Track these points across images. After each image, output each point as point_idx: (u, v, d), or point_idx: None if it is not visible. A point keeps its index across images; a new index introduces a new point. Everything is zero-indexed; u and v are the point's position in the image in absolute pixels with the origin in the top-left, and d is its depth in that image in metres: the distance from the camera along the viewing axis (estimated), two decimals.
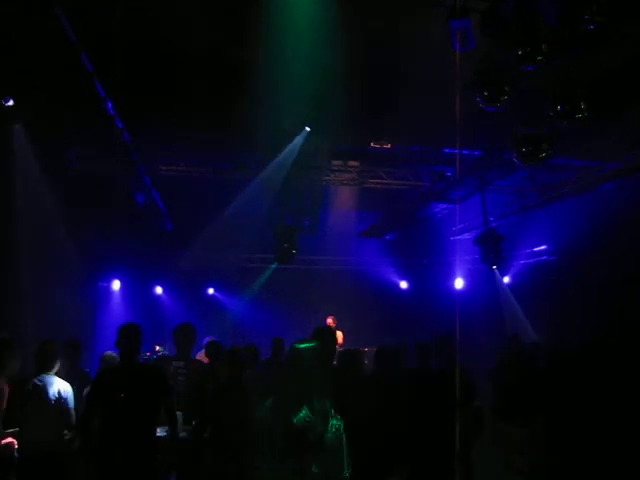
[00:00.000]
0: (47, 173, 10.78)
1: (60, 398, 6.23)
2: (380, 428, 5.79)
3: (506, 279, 16.98)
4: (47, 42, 7.60)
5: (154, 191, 12.44)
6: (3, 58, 7.71)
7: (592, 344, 5.79)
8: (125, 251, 15.35)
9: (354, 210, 15.52)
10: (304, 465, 3.91)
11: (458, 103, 6.37)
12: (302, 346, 4.21)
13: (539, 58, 6.65)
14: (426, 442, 6.24)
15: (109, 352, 7.66)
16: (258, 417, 4.16)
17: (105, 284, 16.73)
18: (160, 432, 6.10)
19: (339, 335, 13.56)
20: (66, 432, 6.31)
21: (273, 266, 17.32)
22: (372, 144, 11.52)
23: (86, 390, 6.61)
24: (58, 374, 6.48)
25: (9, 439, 6.07)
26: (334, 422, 4.05)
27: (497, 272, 15.89)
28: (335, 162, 12.83)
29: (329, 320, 13.96)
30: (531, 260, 16.59)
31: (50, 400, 6.18)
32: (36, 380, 6.26)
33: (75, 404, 6.36)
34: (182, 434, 6.55)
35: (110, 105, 9.11)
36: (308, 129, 9.99)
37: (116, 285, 16.85)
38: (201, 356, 9.57)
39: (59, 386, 6.28)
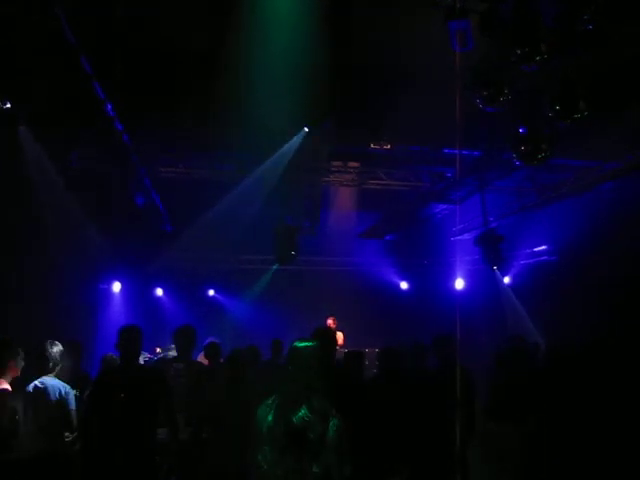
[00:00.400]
0: (48, 175, 10.81)
1: (61, 400, 6.22)
2: (381, 428, 5.80)
3: (506, 279, 16.98)
4: (46, 44, 7.61)
5: (154, 192, 12.45)
6: (2, 59, 7.72)
7: (592, 344, 5.80)
8: (125, 253, 15.35)
9: (354, 211, 15.52)
10: (304, 464, 3.92)
11: (458, 103, 6.38)
12: (301, 344, 4.22)
13: (538, 58, 6.65)
14: (426, 442, 6.24)
15: (109, 354, 7.67)
16: (258, 417, 4.16)
17: (105, 286, 16.72)
18: (161, 434, 6.10)
19: (339, 336, 13.56)
20: (67, 434, 6.31)
21: (274, 267, 17.31)
22: (372, 145, 11.53)
23: (87, 392, 6.61)
24: (59, 376, 6.48)
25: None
26: (334, 421, 4.05)
27: (497, 272, 15.87)
28: (335, 163, 12.83)
29: (329, 321, 13.97)
30: (531, 260, 16.59)
31: (51, 402, 6.17)
32: (37, 382, 6.26)
33: (76, 406, 6.36)
34: (182, 436, 6.54)
35: (110, 107, 9.12)
36: (306, 129, 9.98)
37: (116, 287, 16.83)
38: (202, 357, 9.57)
39: (60, 388, 6.27)
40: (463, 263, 17.33)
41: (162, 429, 6.12)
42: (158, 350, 12.83)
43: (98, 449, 5.62)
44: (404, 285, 19.71)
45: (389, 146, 11.50)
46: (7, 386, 6.20)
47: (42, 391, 6.20)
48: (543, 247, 16.08)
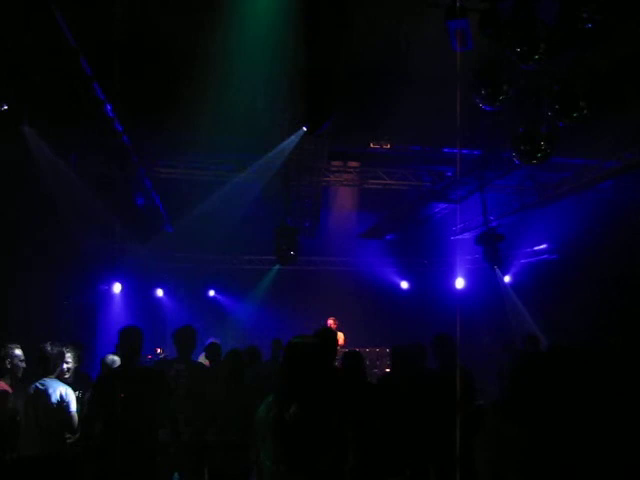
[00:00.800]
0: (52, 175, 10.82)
1: (62, 401, 6.22)
2: (385, 427, 5.80)
3: (507, 278, 16.98)
4: (45, 45, 7.61)
5: (154, 193, 12.45)
6: (2, 60, 7.72)
7: (593, 343, 5.79)
8: (126, 253, 15.37)
9: (354, 211, 15.52)
10: (307, 460, 3.90)
11: (458, 102, 6.37)
12: (297, 340, 4.21)
13: (537, 57, 6.66)
14: (427, 442, 6.24)
15: (110, 355, 7.68)
16: (258, 415, 4.16)
17: (106, 287, 16.73)
18: (162, 435, 6.10)
19: (340, 336, 13.55)
20: (68, 435, 6.31)
21: (276, 267, 17.31)
22: (372, 144, 11.51)
23: (88, 393, 6.62)
24: (60, 377, 6.48)
25: None
26: (333, 418, 4.04)
27: (498, 271, 15.88)
28: (335, 163, 12.82)
29: (330, 321, 13.95)
30: (532, 259, 16.61)
31: (52, 404, 6.17)
32: (38, 383, 6.26)
33: (77, 407, 6.36)
34: (183, 437, 6.55)
35: (109, 108, 9.12)
36: (304, 129, 9.96)
37: (117, 288, 16.84)
38: (203, 358, 9.59)
39: (61, 389, 6.27)
40: (463, 262, 17.35)
41: (163, 430, 6.12)
42: (159, 351, 12.83)
43: (99, 450, 5.62)
44: (404, 285, 19.72)
45: (389, 146, 11.48)
46: (7, 387, 6.22)
47: (43, 392, 6.20)
48: (543, 246, 16.09)
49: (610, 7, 6.45)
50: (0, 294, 11.40)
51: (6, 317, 10.76)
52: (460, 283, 16.72)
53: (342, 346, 13.46)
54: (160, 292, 17.98)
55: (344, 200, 14.79)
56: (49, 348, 6.36)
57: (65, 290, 13.70)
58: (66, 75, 8.16)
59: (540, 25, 6.61)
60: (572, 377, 4.32)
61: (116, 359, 7.34)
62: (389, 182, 13.09)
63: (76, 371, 7.09)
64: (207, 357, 8.81)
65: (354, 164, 12.92)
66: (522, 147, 8.34)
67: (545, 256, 16.10)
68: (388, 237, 17.88)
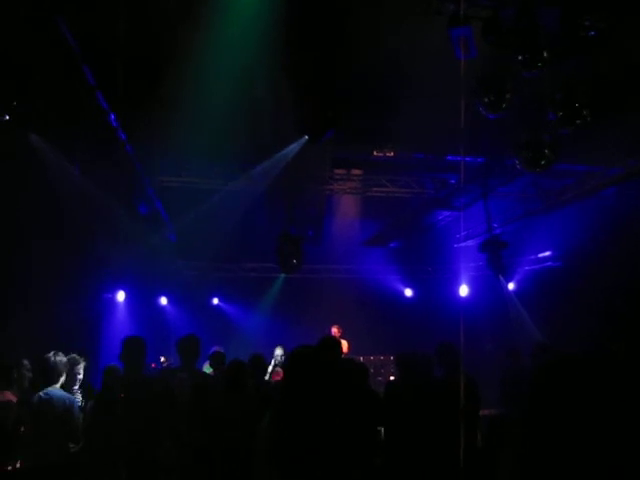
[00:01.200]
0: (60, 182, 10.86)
1: (65, 411, 6.21)
2: (388, 437, 5.79)
3: (511, 285, 16.95)
4: (49, 54, 7.63)
5: (158, 201, 12.46)
6: (4, 70, 7.75)
7: (595, 351, 5.76)
8: (129, 262, 15.37)
9: (358, 218, 15.51)
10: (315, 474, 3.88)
11: (462, 110, 6.39)
12: (300, 351, 4.19)
13: (540, 64, 6.67)
14: (431, 451, 6.22)
15: (111, 365, 7.64)
16: (262, 427, 4.14)
17: (110, 295, 16.74)
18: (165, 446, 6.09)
19: (344, 344, 13.52)
20: (72, 445, 6.30)
21: (282, 276, 17.28)
22: (375, 152, 11.51)
23: (91, 403, 6.61)
24: (63, 387, 6.48)
25: None
26: (336, 428, 4.02)
27: (502, 278, 15.86)
28: (338, 171, 12.82)
29: (334, 329, 13.93)
30: (536, 266, 16.57)
31: (56, 413, 6.17)
32: (41, 393, 6.26)
33: (80, 417, 6.35)
34: (186, 447, 6.53)
35: (113, 117, 9.14)
36: (306, 137, 9.96)
37: (121, 296, 16.85)
38: (207, 367, 9.58)
39: (65, 399, 6.27)
40: (467, 270, 17.32)
41: (164, 449, 6.10)
42: (162, 359, 12.82)
43: (102, 461, 5.61)
44: (409, 292, 19.69)
45: (392, 153, 11.48)
46: (12, 397, 6.22)
47: (47, 402, 6.20)
48: (547, 253, 16.06)
49: (612, 15, 6.47)
50: (2, 301, 11.42)
51: (9, 326, 10.76)
52: (464, 290, 16.69)
53: (346, 354, 13.45)
54: (164, 300, 17.98)
55: (348, 208, 14.78)
56: (53, 358, 6.36)
57: (69, 298, 13.70)
58: (70, 84, 8.18)
59: (542, 33, 6.63)
60: (590, 388, 4.32)
61: (118, 369, 7.32)
62: (392, 190, 13.08)
63: (80, 381, 7.10)
64: (211, 365, 8.80)
65: (357, 172, 12.91)
66: (525, 154, 8.34)
67: (549, 263, 16.07)
68: (392, 245, 17.87)
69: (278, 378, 9.75)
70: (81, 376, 6.72)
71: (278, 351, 11.04)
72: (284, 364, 4.14)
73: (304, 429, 3.93)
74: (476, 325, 14.05)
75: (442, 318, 13.96)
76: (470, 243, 15.76)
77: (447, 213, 14.81)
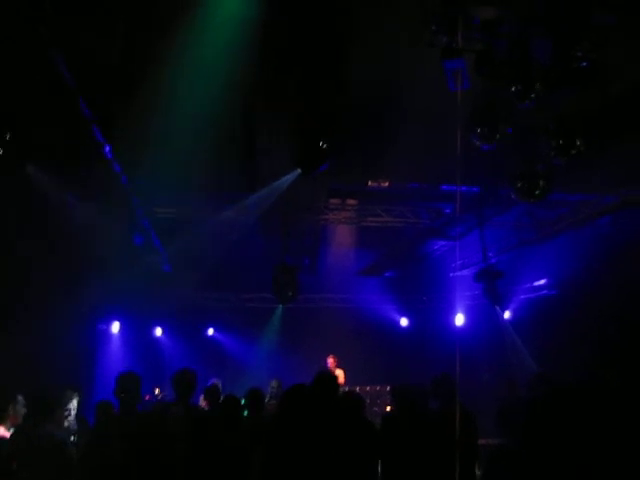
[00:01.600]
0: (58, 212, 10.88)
1: (58, 447, 6.14)
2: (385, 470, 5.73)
3: (507, 314, 16.92)
4: (44, 87, 7.67)
5: (152, 232, 12.45)
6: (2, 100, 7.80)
7: (589, 381, 5.73)
8: (124, 292, 15.31)
9: (353, 248, 15.50)
10: None
11: (458, 140, 6.41)
12: (295, 390, 4.14)
13: (533, 96, 6.72)
14: None
15: (104, 401, 7.52)
16: (255, 462, 4.09)
17: (104, 326, 16.66)
18: None
19: (340, 374, 13.46)
20: None
21: (280, 307, 17.19)
22: (370, 182, 11.54)
23: (84, 438, 6.54)
24: (57, 422, 6.41)
25: None
26: (331, 464, 3.97)
27: (498, 308, 15.85)
28: (333, 201, 12.84)
29: (330, 359, 13.87)
30: (531, 295, 16.57)
31: (48, 449, 6.09)
32: (34, 428, 6.19)
33: (73, 452, 6.28)
34: None
35: (108, 149, 9.16)
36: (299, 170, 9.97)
37: (115, 327, 16.76)
38: (203, 400, 9.49)
39: (56, 435, 6.20)
40: (463, 299, 17.28)
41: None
42: (157, 391, 12.72)
43: None
44: (404, 322, 19.62)
45: (387, 183, 11.51)
46: (5, 433, 6.15)
47: (39, 437, 6.12)
48: (543, 281, 16.05)
49: (602, 45, 6.53)
50: None
51: (4, 358, 10.69)
52: (460, 320, 16.65)
53: (342, 384, 13.38)
54: (159, 331, 17.88)
55: (343, 237, 14.79)
56: (46, 393, 6.30)
57: (64, 329, 13.63)
58: (66, 117, 8.22)
59: (535, 64, 6.68)
60: (584, 418, 4.29)
61: (111, 405, 7.22)
62: (388, 219, 13.10)
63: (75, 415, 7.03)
64: (205, 399, 8.71)
65: (352, 202, 12.93)
66: (520, 185, 8.37)
67: (544, 292, 16.07)
68: (387, 274, 17.85)
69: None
70: (75, 411, 6.65)
71: (274, 383, 10.98)
72: (278, 401, 4.12)
73: (297, 465, 3.89)
74: (472, 354, 13.98)
75: (438, 347, 13.92)
76: (466, 272, 15.75)
77: (442, 242, 14.82)
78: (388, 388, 14.13)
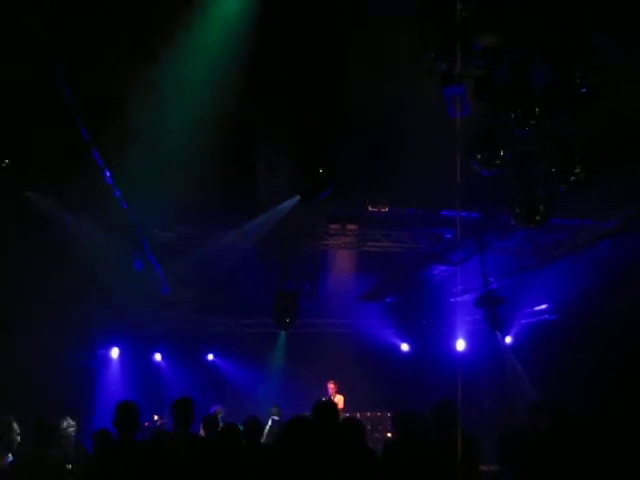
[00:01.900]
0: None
1: (55, 475, 6.08)
2: None
3: (508, 339, 16.84)
4: (45, 112, 7.71)
5: (152, 257, 12.44)
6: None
7: (590, 408, 5.70)
8: (124, 316, 15.27)
9: (353, 273, 15.48)
10: None
11: (458, 166, 6.42)
12: (295, 423, 4.08)
13: (532, 122, 6.74)
14: None
15: (102, 430, 7.42)
16: None
17: (104, 351, 16.59)
18: None
19: (340, 400, 13.40)
20: None
21: (283, 333, 17.11)
22: (370, 207, 11.55)
23: (82, 465, 6.46)
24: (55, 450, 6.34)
25: None
26: None
27: (499, 333, 15.79)
28: (333, 226, 12.85)
29: (330, 385, 13.80)
30: (532, 319, 16.49)
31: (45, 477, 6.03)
32: (31, 455, 6.13)
33: None
34: None
35: (108, 174, 9.18)
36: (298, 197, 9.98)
37: (115, 353, 16.69)
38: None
39: (54, 463, 6.13)
40: (464, 324, 17.21)
41: None
42: (156, 418, 12.63)
43: None
44: (405, 347, 19.52)
45: (387, 208, 11.52)
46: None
47: (36, 466, 6.06)
48: (544, 306, 15.99)
49: (600, 71, 6.57)
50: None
51: (5, 385, 10.65)
52: (461, 345, 16.58)
53: (342, 410, 13.30)
54: (158, 356, 17.79)
55: (343, 262, 14.77)
56: (45, 422, 6.26)
57: (64, 354, 13.61)
58: (66, 142, 8.26)
59: (535, 90, 6.71)
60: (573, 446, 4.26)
61: (109, 434, 7.13)
62: (388, 245, 13.11)
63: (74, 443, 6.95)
64: (204, 428, 8.60)
65: (352, 227, 12.94)
66: (520, 211, 8.37)
67: (545, 316, 15.99)
68: (388, 299, 17.81)
69: None
70: (73, 439, 6.59)
71: (274, 410, 10.91)
72: (278, 433, 4.07)
73: None
74: (473, 380, 13.93)
75: (439, 373, 13.88)
76: (466, 297, 15.71)
77: (443, 267, 14.81)
78: (389, 414, 14.06)
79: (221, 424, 7.95)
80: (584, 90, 6.57)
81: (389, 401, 15.22)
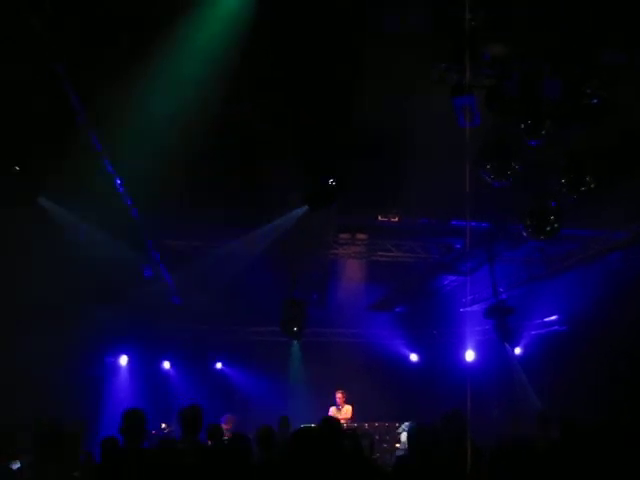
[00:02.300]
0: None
1: None
2: None
3: (518, 350, 16.76)
4: (56, 120, 7.75)
5: (162, 265, 12.47)
6: (11, 133, 7.88)
7: (605, 420, 5.66)
8: (132, 325, 15.30)
9: (363, 283, 15.44)
10: None
11: (468, 175, 6.40)
12: (303, 433, 4.06)
13: (543, 132, 6.73)
14: None
15: (110, 438, 7.41)
16: None
17: (112, 359, 16.61)
18: None
19: (348, 409, 13.36)
20: None
21: (296, 342, 17.10)
22: (380, 217, 11.54)
23: (90, 474, 6.47)
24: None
25: None
26: None
27: (508, 345, 15.72)
28: (343, 235, 12.84)
29: (338, 394, 13.74)
30: (542, 330, 16.40)
31: None
32: (37, 465, 6.12)
33: None
34: None
35: (119, 181, 9.22)
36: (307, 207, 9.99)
37: (123, 360, 16.71)
38: None
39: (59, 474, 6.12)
40: (474, 334, 17.15)
41: None
42: (163, 426, 12.60)
43: None
44: (414, 357, 19.45)
45: (397, 218, 11.51)
46: None
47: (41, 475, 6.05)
48: (554, 317, 15.90)
49: (611, 82, 6.55)
50: (5, 364, 11.36)
51: (14, 392, 10.68)
52: (470, 355, 16.52)
53: (350, 419, 13.27)
54: (167, 364, 17.78)
55: (353, 272, 14.75)
56: (52, 428, 6.24)
57: (72, 361, 13.63)
58: (77, 150, 8.29)
59: (545, 101, 6.70)
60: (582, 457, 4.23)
61: (116, 441, 7.12)
62: (397, 254, 13.09)
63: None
64: (209, 437, 8.57)
65: (362, 236, 12.92)
66: (530, 222, 8.35)
67: (555, 327, 15.91)
68: (398, 309, 17.76)
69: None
70: (79, 448, 6.59)
71: (282, 420, 10.83)
72: (286, 445, 4.06)
73: None
74: (482, 390, 13.87)
75: (448, 383, 13.83)
76: (476, 307, 15.65)
77: (453, 278, 14.77)
78: (397, 424, 14.01)
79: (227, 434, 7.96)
80: (595, 101, 6.54)
81: (398, 411, 15.15)
